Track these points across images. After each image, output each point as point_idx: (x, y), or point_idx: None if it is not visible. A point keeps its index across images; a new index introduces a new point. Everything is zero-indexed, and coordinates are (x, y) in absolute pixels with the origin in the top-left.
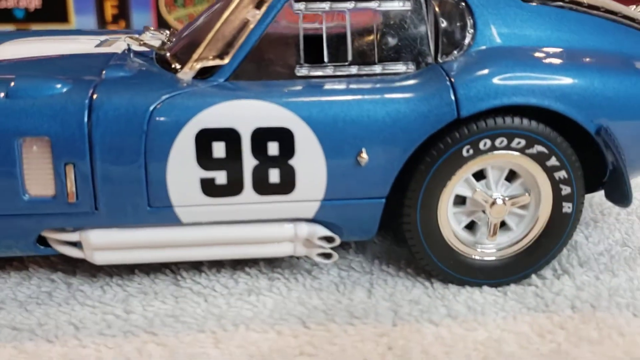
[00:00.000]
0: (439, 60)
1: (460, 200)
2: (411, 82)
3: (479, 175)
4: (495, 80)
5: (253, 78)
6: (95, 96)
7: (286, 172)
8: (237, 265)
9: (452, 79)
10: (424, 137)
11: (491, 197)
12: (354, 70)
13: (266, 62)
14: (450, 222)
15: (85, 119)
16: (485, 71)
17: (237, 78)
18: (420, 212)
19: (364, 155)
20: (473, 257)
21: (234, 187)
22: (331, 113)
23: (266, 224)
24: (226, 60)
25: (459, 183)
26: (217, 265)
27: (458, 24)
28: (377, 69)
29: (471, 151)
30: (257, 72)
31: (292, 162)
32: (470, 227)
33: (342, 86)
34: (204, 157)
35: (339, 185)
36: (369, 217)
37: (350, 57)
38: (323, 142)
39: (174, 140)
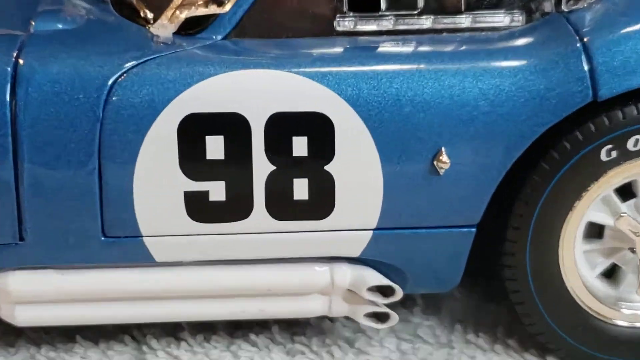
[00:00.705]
0: (564, 7)
1: (595, 232)
2: (519, 42)
3: (626, 193)
4: None
5: (268, 35)
6: (21, 62)
7: (320, 183)
8: (237, 330)
9: (585, 39)
10: (540, 130)
11: None
12: (427, 23)
13: (287, 9)
14: (578, 265)
15: (7, 97)
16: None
17: (243, 35)
18: (532, 249)
19: (444, 158)
20: (615, 322)
21: (237, 207)
22: (391, 91)
23: (286, 266)
24: (226, 7)
25: (594, 204)
26: (206, 330)
27: None
28: (465, 21)
29: (614, 153)
30: (273, 25)
31: (329, 168)
32: (611, 274)
33: (408, 49)
34: (191, 159)
35: (403, 206)
36: (450, 256)
37: (421, 3)
38: (378, 138)
39: (145, 133)
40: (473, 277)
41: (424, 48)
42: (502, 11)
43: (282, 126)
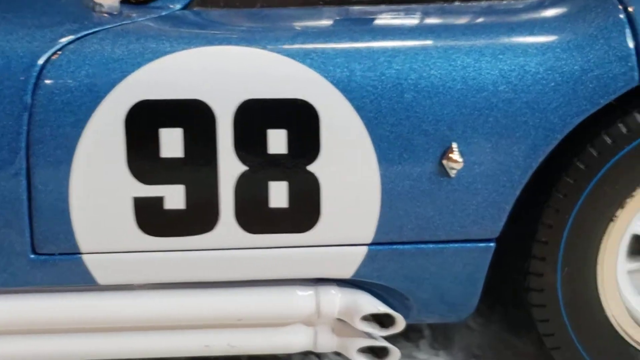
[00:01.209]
0: None
1: None
2: (548, 13)
3: None
4: None
5: (238, 4)
6: None
7: (302, 188)
8: None
9: (631, 9)
10: (575, 121)
11: None
12: None
13: None
14: (622, 289)
15: None
16: None
17: (208, 3)
18: (564, 268)
19: (456, 157)
20: None
21: (199, 217)
22: (391, 74)
23: (260, 290)
24: None
25: None
26: None
27: None
28: None
29: None
30: None
31: (313, 168)
32: None
33: (411, 21)
34: (142, 157)
35: (405, 216)
36: (464, 277)
37: None
38: (374, 131)
39: (84, 125)
40: (491, 303)
41: (431, 20)
42: None
43: (255, 117)
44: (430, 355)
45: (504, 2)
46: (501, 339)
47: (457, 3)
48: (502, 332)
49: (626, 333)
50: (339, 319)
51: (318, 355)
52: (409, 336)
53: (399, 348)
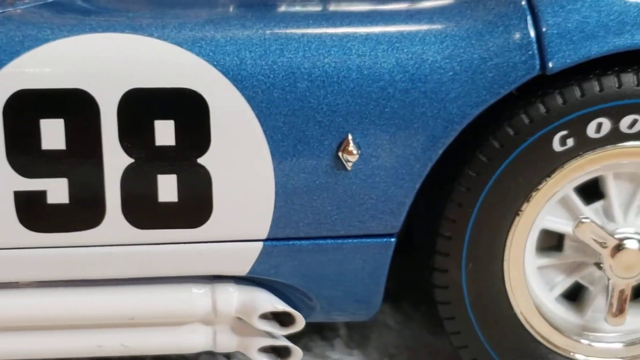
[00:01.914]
0: None
1: (552, 243)
2: (447, 0)
3: (589, 193)
4: None
5: None
6: None
7: (192, 181)
8: None
9: None
10: (474, 112)
11: (614, 237)
12: None
13: None
14: (531, 285)
15: None
16: None
17: None
18: (468, 264)
19: (352, 149)
20: (577, 357)
21: (84, 212)
22: (283, 62)
23: (153, 288)
24: None
25: (549, 207)
26: None
27: None
28: None
29: (570, 142)
30: None
31: (203, 161)
32: (574, 296)
33: (306, 7)
34: (22, 149)
35: (301, 210)
36: (365, 274)
37: None
38: (267, 122)
39: None
40: (414, 301)
41: (327, 6)
42: None
43: (140, 107)
44: (343, 355)
45: None
46: (419, 337)
47: None
48: (420, 331)
49: (535, 330)
50: (238, 318)
51: (226, 355)
52: (324, 335)
53: (313, 347)
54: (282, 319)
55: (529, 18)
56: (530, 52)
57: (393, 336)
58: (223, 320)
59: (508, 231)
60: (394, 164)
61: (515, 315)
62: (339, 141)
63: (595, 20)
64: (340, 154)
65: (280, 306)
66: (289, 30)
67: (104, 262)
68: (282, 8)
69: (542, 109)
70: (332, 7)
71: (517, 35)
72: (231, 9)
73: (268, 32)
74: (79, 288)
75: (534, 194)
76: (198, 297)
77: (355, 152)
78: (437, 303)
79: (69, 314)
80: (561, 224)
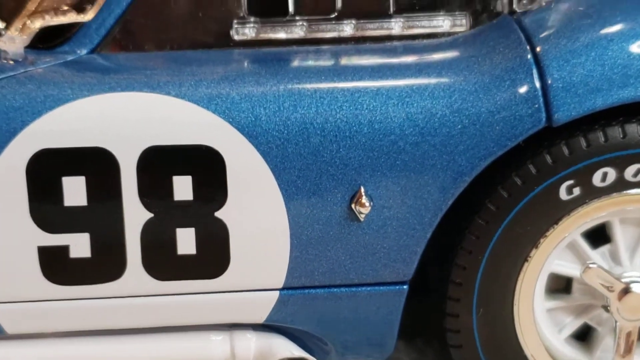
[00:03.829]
0: (516, 6)
1: (560, 285)
2: (456, 54)
3: (596, 238)
4: (630, 50)
5: (147, 47)
6: None
7: (210, 234)
8: None
9: (538, 49)
10: (483, 164)
11: (621, 281)
12: (347, 29)
13: (172, 14)
14: (541, 327)
15: None
16: (608, 30)
17: (116, 47)
18: (479, 310)
19: (364, 201)
20: None
21: (106, 265)
22: (296, 118)
23: (172, 336)
24: (89, 14)
25: (557, 252)
26: None
27: None
28: (394, 26)
29: (577, 190)
30: (154, 34)
31: (221, 214)
32: (583, 337)
33: (318, 62)
34: (45, 206)
35: (316, 260)
36: (378, 320)
37: (339, 4)
38: (281, 176)
39: None
40: (429, 338)
41: (338, 61)
42: (440, 13)
43: (159, 163)
44: None
45: (416, 41)
46: None
47: (368, 45)
48: None
49: None
50: None
51: None
52: None
53: None
54: None
55: (534, 72)
56: (536, 105)
57: None
58: None
59: (517, 277)
60: (405, 214)
61: (525, 357)
62: (351, 193)
63: (599, 73)
64: (353, 205)
65: (297, 352)
66: (301, 86)
67: (125, 312)
68: (295, 63)
69: (548, 159)
70: (344, 61)
71: (524, 89)
72: (246, 64)
73: (282, 88)
74: (100, 337)
75: (542, 240)
76: (216, 343)
77: (367, 204)
78: (450, 347)
79: None
80: (569, 268)
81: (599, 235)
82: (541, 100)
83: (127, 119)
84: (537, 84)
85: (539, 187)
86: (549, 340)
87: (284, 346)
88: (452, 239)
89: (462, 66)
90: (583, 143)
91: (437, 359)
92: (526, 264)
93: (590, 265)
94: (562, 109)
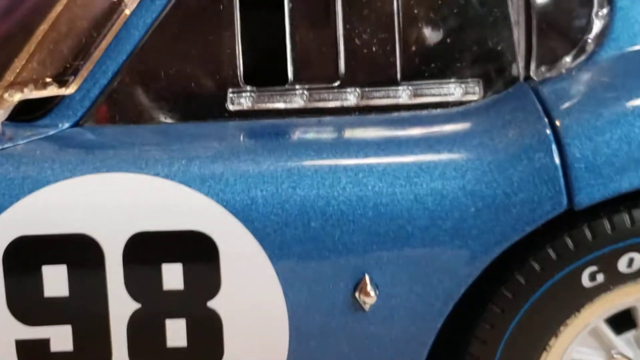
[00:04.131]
0: (533, 74)
1: None
2: (468, 127)
3: (621, 322)
4: None
5: (135, 119)
6: None
7: (202, 325)
8: None
9: (558, 123)
10: (499, 249)
11: None
12: (351, 99)
13: (162, 84)
14: None
15: None
16: (635, 104)
17: (102, 119)
18: None
19: (369, 290)
20: None
21: (89, 358)
22: (295, 200)
23: None
24: (71, 87)
25: (579, 339)
26: None
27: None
28: (402, 94)
29: (600, 277)
30: (142, 106)
31: (213, 304)
32: None
33: (323, 135)
34: (23, 297)
35: (318, 353)
36: None
37: (342, 70)
38: (279, 263)
39: None
40: None
41: (341, 135)
42: (451, 80)
43: (147, 250)
44: None
45: (423, 112)
46: None
47: (372, 116)
48: None
49: None
50: None
51: None
52: None
53: None
54: None
55: (554, 149)
56: (557, 188)
57: None
58: None
59: None
60: (414, 303)
61: None
62: (355, 282)
63: (625, 152)
64: (357, 294)
65: None
66: (301, 164)
67: None
68: (295, 137)
69: (570, 243)
70: (347, 135)
71: (542, 169)
72: (241, 139)
73: (280, 166)
74: None
75: (562, 329)
76: None
77: (372, 293)
78: None
79: None
80: (592, 355)
81: (623, 319)
82: (562, 181)
83: (113, 202)
84: (557, 164)
85: (560, 274)
86: None
87: None
88: (464, 325)
89: (475, 142)
90: (607, 226)
91: None
92: (545, 354)
93: (615, 356)
94: (585, 192)
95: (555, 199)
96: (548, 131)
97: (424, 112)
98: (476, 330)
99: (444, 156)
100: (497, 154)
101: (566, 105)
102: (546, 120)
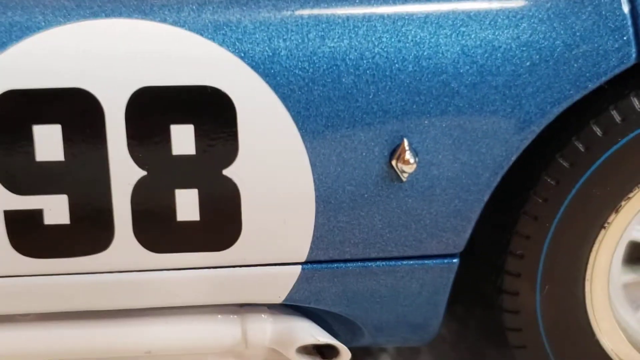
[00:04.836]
0: None
1: (638, 254)
2: None
3: None
4: None
5: None
6: None
7: (217, 197)
8: None
9: None
10: (557, 110)
11: None
12: None
13: None
14: (616, 306)
15: None
16: None
17: None
18: (544, 287)
19: (408, 157)
20: None
21: (89, 234)
22: (324, 52)
23: (173, 318)
24: None
25: (639, 217)
26: None
27: None
28: None
29: None
30: None
31: (230, 172)
32: None
33: None
34: (13, 161)
35: (347, 229)
36: (422, 300)
37: None
38: (305, 126)
39: None
40: (470, 305)
41: None
42: None
43: (153, 109)
44: None
45: None
46: (475, 350)
47: None
48: (477, 342)
49: (620, 358)
50: (273, 349)
51: None
52: (369, 350)
53: None
54: (323, 350)
55: None
56: (625, 38)
57: (446, 348)
58: (255, 352)
59: (592, 247)
60: (458, 173)
61: (599, 343)
62: (392, 148)
63: None
64: (393, 162)
65: (322, 338)
66: (331, 12)
67: (112, 291)
68: None
69: (637, 104)
70: None
71: (609, 17)
72: None
73: (306, 14)
74: (86, 320)
75: (623, 203)
76: (225, 326)
77: (411, 160)
78: (506, 330)
79: (75, 349)
80: None
81: None
82: (631, 30)
83: (113, 52)
84: (626, 11)
85: (624, 139)
86: (625, 322)
87: (307, 330)
88: (511, 201)
89: None
90: None
91: (480, 331)
92: (603, 232)
93: None
94: None
95: (623, 50)
96: None
97: None
98: (526, 206)
99: (496, 2)
100: (553, 2)
101: None
102: None
